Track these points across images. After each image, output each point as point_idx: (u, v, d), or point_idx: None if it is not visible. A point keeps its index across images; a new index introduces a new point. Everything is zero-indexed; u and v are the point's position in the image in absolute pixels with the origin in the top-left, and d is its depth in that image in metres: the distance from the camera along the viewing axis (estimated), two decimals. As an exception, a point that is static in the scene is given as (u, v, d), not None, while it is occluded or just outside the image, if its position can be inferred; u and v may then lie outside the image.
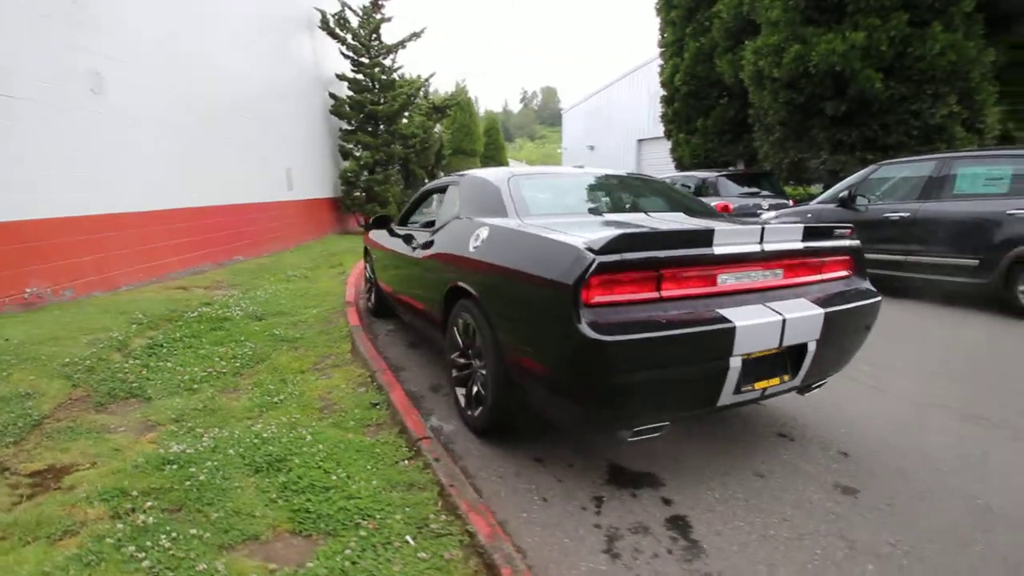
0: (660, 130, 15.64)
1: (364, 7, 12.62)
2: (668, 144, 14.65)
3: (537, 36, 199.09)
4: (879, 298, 2.56)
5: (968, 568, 1.80)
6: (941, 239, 5.26)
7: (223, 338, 4.26)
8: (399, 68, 13.51)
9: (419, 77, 14.14)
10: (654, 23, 14.04)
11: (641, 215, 2.91)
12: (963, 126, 7.86)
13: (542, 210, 2.82)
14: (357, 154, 13.03)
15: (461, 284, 2.73)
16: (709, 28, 11.47)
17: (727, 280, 2.17)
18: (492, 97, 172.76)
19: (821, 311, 2.24)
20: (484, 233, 2.63)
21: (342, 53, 12.47)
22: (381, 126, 13.08)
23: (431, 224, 4.40)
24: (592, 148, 26.04)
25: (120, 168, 5.97)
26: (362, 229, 13.79)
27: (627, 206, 3.17)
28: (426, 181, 17.75)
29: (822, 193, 11.21)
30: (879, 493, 2.24)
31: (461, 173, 3.68)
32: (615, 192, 3.31)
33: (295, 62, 11.30)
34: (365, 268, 5.65)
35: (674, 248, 2.02)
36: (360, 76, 12.74)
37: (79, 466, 2.24)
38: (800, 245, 2.32)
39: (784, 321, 2.12)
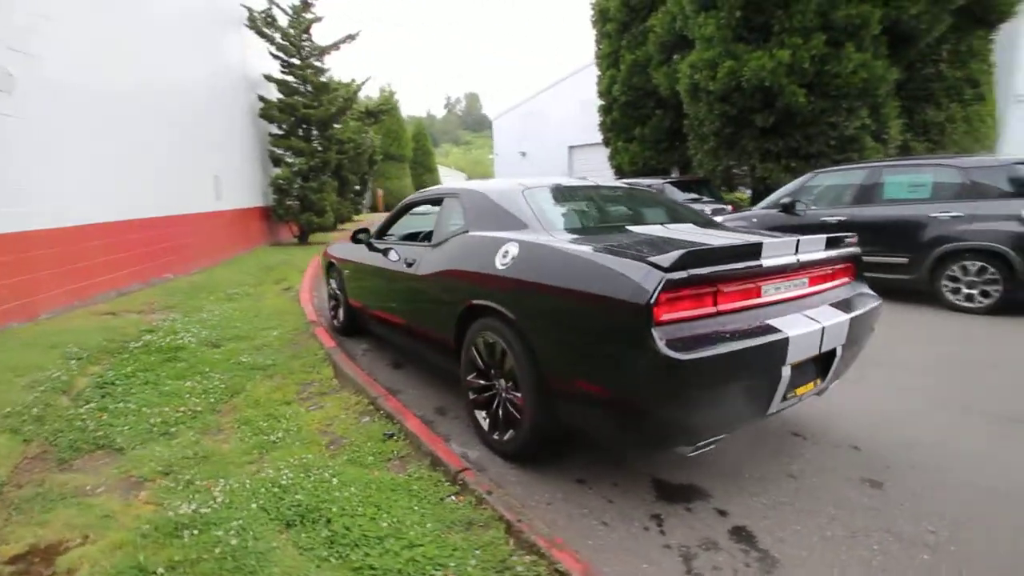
0: (591, 137, 16.03)
1: (294, 6, 11.93)
2: (600, 151, 15.09)
3: (458, 41, 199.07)
4: (881, 301, 2.75)
5: (1008, 547, 1.96)
6: (874, 240, 5.79)
7: (184, 371, 3.80)
8: (327, 71, 12.91)
9: (353, 81, 13.58)
10: (580, 30, 14.47)
11: (658, 227, 2.93)
12: (872, 137, 8.77)
13: (565, 224, 2.76)
14: (290, 160, 12.26)
15: (484, 302, 2.62)
16: (644, 41, 11.97)
17: (769, 291, 2.23)
18: (415, 102, 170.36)
19: (847, 316, 2.36)
20: (513, 249, 2.53)
21: (271, 53, 11.70)
22: (314, 131, 12.40)
23: (416, 237, 4.21)
24: (524, 155, 26.29)
25: (32, 181, 5.16)
26: (297, 240, 12.99)
27: (640, 219, 3.18)
28: (358, 188, 17.07)
29: (749, 197, 12.11)
30: (901, 484, 2.39)
31: (455, 186, 3.55)
32: (624, 205, 3.32)
33: (221, 62, 10.43)
34: (328, 284, 5.30)
35: (730, 262, 2.05)
36: (291, 78, 12.02)
37: (69, 542, 1.86)
38: (823, 254, 2.44)
39: (823, 328, 2.21)
